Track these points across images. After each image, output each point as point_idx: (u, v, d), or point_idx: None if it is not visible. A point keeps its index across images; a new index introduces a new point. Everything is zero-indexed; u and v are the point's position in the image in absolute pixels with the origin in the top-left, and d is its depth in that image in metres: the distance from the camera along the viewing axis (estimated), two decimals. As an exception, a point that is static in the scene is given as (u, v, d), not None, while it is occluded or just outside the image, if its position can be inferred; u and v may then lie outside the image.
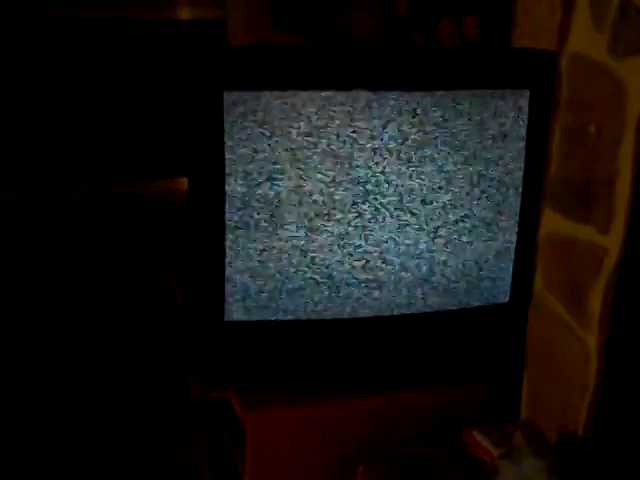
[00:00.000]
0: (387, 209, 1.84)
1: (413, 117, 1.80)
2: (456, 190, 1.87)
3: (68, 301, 3.46)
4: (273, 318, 1.85)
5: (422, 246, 1.89)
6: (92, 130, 4.43)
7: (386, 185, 1.83)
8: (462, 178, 1.87)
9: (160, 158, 4.51)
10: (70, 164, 4.43)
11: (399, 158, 1.82)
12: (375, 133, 1.79)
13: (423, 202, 1.86)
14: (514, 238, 1.94)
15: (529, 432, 1.81)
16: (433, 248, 1.89)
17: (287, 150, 1.76)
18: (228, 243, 1.79)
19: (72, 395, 2.91)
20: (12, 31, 4.21)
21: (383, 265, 1.88)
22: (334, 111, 1.76)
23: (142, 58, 4.44)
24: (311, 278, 1.84)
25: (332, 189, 1.80)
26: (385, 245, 1.86)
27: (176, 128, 4.06)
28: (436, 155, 1.84)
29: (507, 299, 1.98)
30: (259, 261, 1.81)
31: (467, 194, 1.88)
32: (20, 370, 3.02)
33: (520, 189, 1.90)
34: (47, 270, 3.69)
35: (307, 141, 1.76)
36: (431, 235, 1.88)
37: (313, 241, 1.82)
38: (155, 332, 3.16)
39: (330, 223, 1.82)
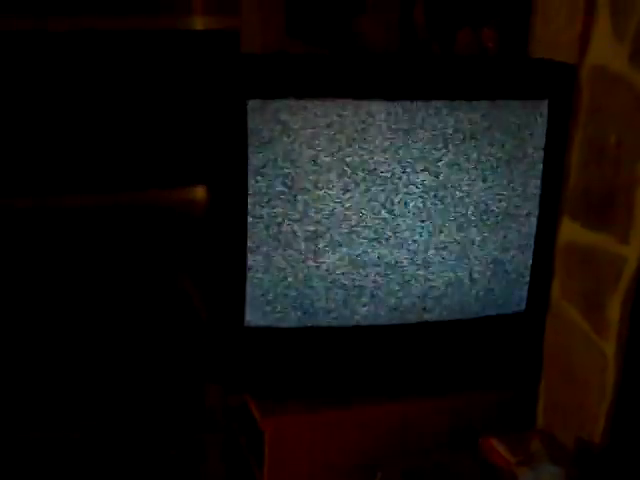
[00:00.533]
0: (406, 218, 1.85)
1: (433, 126, 1.81)
2: (472, 199, 1.88)
3: (82, 308, 3.46)
4: (293, 324, 1.86)
5: (438, 257, 1.90)
6: (106, 140, 4.44)
7: (403, 193, 1.84)
8: (479, 187, 1.88)
9: (173, 167, 4.52)
10: (84, 172, 4.44)
11: (417, 168, 1.83)
12: (395, 141, 1.80)
13: (439, 212, 1.87)
14: (531, 247, 1.95)
15: (547, 439, 1.82)
16: (449, 258, 1.90)
17: (310, 158, 1.77)
18: (249, 250, 1.80)
19: (87, 401, 2.92)
20: (25, 40, 4.23)
21: (401, 275, 1.89)
22: (355, 119, 1.77)
23: (156, 68, 4.46)
24: (332, 285, 1.86)
25: (354, 197, 1.82)
26: (403, 255, 1.87)
27: (189, 138, 4.09)
28: (453, 165, 1.85)
29: (523, 308, 1.99)
30: (280, 267, 1.82)
31: (484, 203, 1.89)
32: (33, 376, 3.02)
33: (538, 198, 1.92)
34: (60, 277, 3.69)
35: (329, 149, 1.78)
36: (447, 246, 1.89)
37: (335, 249, 1.84)
38: (171, 338, 3.17)
39: (352, 231, 1.83)
